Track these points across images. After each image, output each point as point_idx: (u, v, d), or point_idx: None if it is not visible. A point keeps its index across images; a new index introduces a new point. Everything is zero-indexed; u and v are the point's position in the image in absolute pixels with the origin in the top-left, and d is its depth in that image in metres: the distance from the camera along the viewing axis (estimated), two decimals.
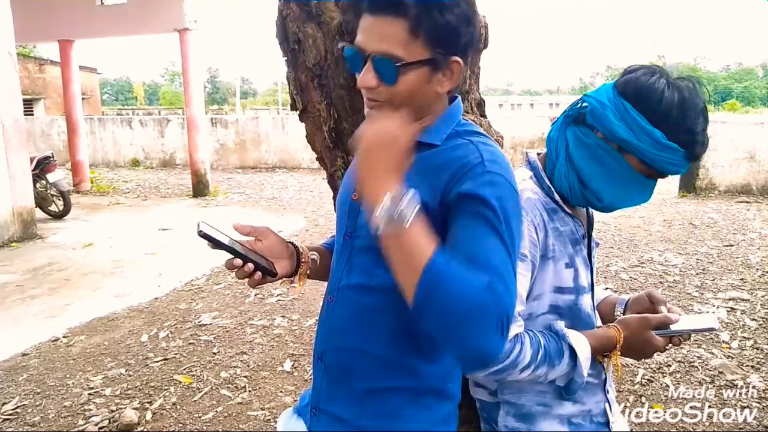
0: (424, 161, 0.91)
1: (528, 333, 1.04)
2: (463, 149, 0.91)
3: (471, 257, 0.78)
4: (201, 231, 0.87)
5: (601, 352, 1.12)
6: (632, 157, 1.05)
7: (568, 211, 1.14)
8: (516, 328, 1.00)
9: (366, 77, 0.88)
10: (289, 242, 1.07)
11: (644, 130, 1.01)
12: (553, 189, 1.13)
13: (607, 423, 1.18)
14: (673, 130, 1.01)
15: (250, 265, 0.95)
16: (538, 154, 1.21)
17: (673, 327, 1.11)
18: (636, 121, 1.02)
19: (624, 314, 1.21)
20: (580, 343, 1.06)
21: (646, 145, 1.02)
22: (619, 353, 1.11)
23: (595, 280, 1.24)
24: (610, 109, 1.04)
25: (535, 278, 1.09)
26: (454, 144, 0.93)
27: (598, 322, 1.24)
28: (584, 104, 1.10)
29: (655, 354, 1.12)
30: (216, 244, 0.89)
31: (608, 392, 1.20)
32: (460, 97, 1.02)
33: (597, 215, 1.28)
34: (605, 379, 1.19)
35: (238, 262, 0.92)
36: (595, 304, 1.26)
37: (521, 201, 0.94)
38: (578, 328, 1.11)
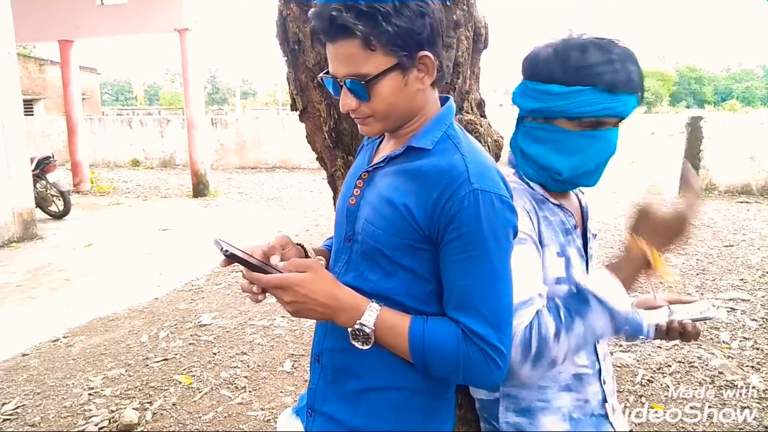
0: (416, 167, 0.93)
1: (543, 307, 1.00)
2: (450, 159, 0.91)
3: (459, 302, 0.89)
4: (228, 252, 0.87)
5: (633, 274, 1.02)
6: (558, 120, 1.09)
7: (555, 202, 1.16)
8: (534, 310, 0.98)
9: (345, 101, 0.93)
10: (300, 245, 1.07)
11: (541, 91, 1.08)
12: (531, 183, 1.17)
13: (606, 415, 1.16)
14: (565, 76, 1.05)
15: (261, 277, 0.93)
16: None
17: (673, 316, 1.13)
18: (533, 89, 1.10)
19: None
20: (601, 279, 0.99)
21: (553, 102, 1.07)
22: (655, 251, 1.00)
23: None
24: (516, 93, 1.15)
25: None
26: (444, 148, 0.94)
27: None
28: None
29: (688, 228, 1.00)
30: (235, 259, 0.88)
31: (605, 383, 1.18)
32: (452, 98, 1.02)
33: (597, 214, 1.27)
34: (599, 369, 1.18)
35: (257, 289, 0.91)
36: None
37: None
38: None
